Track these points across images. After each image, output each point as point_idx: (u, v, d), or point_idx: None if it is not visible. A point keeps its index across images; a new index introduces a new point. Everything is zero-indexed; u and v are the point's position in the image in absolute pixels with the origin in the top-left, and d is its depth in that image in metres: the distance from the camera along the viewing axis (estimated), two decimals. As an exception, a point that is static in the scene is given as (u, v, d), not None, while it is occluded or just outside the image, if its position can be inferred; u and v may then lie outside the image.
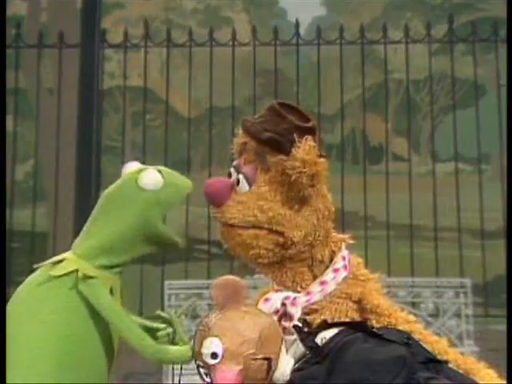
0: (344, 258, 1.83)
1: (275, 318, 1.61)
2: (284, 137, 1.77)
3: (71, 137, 4.62)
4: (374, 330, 1.61)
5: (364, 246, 4.85)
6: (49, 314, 1.67)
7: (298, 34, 5.53)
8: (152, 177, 1.75)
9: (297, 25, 5.55)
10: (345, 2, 9.31)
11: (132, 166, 1.82)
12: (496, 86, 5.66)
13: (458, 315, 4.64)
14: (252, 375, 1.48)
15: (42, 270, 1.81)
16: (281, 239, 1.76)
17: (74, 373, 1.65)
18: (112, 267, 1.79)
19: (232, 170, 1.83)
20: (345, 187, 5.02)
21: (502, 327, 5.25)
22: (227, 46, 5.55)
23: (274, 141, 1.77)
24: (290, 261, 1.80)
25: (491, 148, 6.00)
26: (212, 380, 1.50)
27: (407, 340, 1.55)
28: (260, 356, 1.49)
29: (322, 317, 1.72)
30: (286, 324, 1.62)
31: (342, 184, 5.01)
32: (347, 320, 1.73)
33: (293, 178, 1.72)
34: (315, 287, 1.79)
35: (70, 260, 1.75)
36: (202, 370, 1.54)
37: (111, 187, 1.79)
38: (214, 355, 1.50)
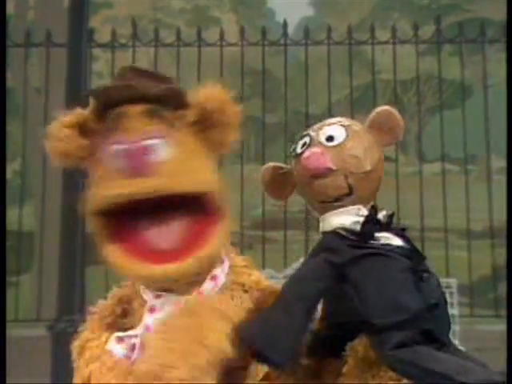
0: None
1: None
2: (174, 87, 1.58)
3: (58, 136, 4.60)
4: None
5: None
6: None
7: (285, 34, 5.54)
8: None
9: (285, 25, 5.55)
10: (332, 2, 9.33)
11: None
12: (483, 86, 5.69)
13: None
14: None
15: None
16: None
17: None
18: None
19: (119, 147, 1.50)
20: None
21: (488, 327, 5.29)
22: (215, 46, 5.55)
23: (173, 92, 1.56)
24: None
25: (478, 149, 6.03)
26: None
27: None
28: None
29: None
30: None
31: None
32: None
33: (209, 117, 1.55)
34: (208, 284, 1.61)
35: None
36: None
37: None
38: None
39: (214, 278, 1.61)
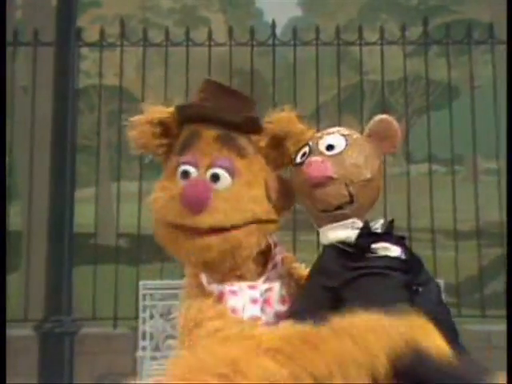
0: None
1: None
2: (252, 116, 1.69)
3: (46, 135, 4.59)
4: None
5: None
6: None
7: (274, 34, 5.54)
8: None
9: (273, 25, 5.56)
10: (321, 3, 9.35)
11: None
12: (470, 87, 5.72)
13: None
14: None
15: None
16: (273, 227, 1.72)
17: None
18: None
19: (187, 168, 1.63)
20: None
21: (475, 327, 5.31)
22: (203, 46, 5.54)
23: (249, 119, 1.67)
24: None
25: (464, 149, 6.06)
26: None
27: None
28: None
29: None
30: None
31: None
32: None
33: (283, 145, 1.67)
34: (271, 272, 1.75)
35: None
36: None
37: None
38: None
39: (275, 266, 1.75)
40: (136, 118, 1.73)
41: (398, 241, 1.67)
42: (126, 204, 5.35)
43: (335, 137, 1.71)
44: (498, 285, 5.49)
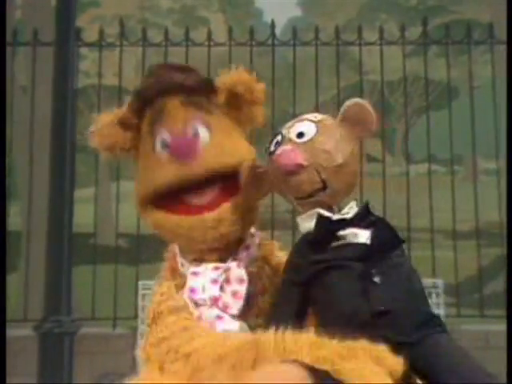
0: None
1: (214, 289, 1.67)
2: (204, 77, 1.80)
3: (45, 135, 4.58)
4: None
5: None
6: None
7: (273, 34, 5.54)
8: None
9: (272, 25, 5.55)
10: (320, 3, 9.36)
11: None
12: (469, 87, 5.72)
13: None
14: None
15: None
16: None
17: None
18: None
19: (164, 136, 1.71)
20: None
21: (474, 327, 5.31)
22: (203, 46, 5.54)
23: (203, 81, 1.77)
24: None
25: (464, 149, 6.06)
26: None
27: None
28: None
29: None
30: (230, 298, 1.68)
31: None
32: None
33: (238, 96, 1.73)
34: (242, 253, 1.79)
35: None
36: None
37: None
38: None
39: (247, 247, 1.80)
40: (95, 126, 1.80)
41: (370, 223, 1.66)
42: (126, 204, 5.33)
43: (305, 124, 1.72)
44: (498, 285, 5.49)
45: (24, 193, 5.67)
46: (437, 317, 1.66)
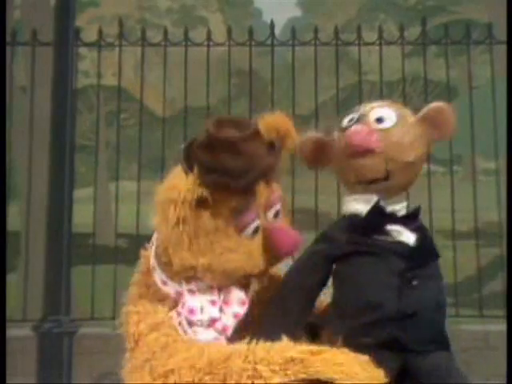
0: None
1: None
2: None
3: (44, 135, 4.58)
4: None
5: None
6: None
7: (273, 34, 5.54)
8: None
9: (272, 25, 5.55)
10: (319, 3, 9.36)
11: None
12: (468, 87, 5.72)
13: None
14: None
15: None
16: None
17: None
18: None
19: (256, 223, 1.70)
20: (319, 188, 5.05)
21: (473, 327, 5.32)
22: (202, 46, 5.54)
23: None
24: None
25: (463, 149, 6.06)
26: None
27: None
28: None
29: None
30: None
31: (316, 185, 5.03)
32: None
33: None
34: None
35: None
36: None
37: None
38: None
39: None
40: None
41: (417, 228, 1.64)
42: (125, 204, 5.34)
43: (387, 110, 1.66)
44: (497, 285, 5.49)
45: (23, 193, 5.67)
46: (447, 339, 1.66)
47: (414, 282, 1.56)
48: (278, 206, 1.69)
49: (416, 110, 1.74)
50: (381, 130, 1.61)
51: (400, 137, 1.61)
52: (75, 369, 4.21)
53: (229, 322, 1.67)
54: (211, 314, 1.66)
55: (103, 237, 6.80)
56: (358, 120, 1.64)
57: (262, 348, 1.51)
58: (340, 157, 1.65)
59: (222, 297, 1.69)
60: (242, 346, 1.54)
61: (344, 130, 1.65)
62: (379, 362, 1.47)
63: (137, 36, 5.63)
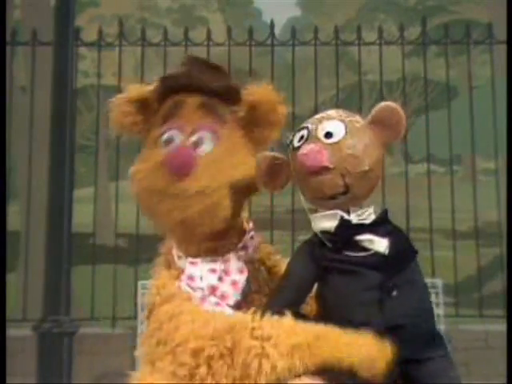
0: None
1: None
2: (235, 85, 1.73)
3: (44, 135, 4.59)
4: None
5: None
6: None
7: (272, 34, 5.55)
8: None
9: (272, 25, 5.56)
10: (319, 3, 9.35)
11: None
12: (468, 87, 5.72)
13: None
14: None
15: None
16: (251, 192, 1.74)
17: None
18: None
19: (172, 133, 1.68)
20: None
21: (473, 327, 5.32)
22: (202, 46, 5.54)
23: (230, 88, 1.71)
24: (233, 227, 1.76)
25: (463, 149, 6.06)
26: None
27: None
28: None
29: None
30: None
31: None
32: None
33: (259, 115, 1.69)
34: (240, 252, 1.77)
35: None
36: None
37: None
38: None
39: (245, 248, 1.77)
40: (115, 99, 1.76)
41: (388, 232, 1.64)
42: (125, 204, 5.34)
43: (335, 123, 1.64)
44: (496, 285, 5.50)
45: (23, 192, 5.67)
46: (440, 336, 1.65)
47: (394, 293, 1.55)
48: (201, 134, 1.66)
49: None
50: (331, 144, 1.60)
51: (351, 148, 1.60)
52: (75, 369, 4.21)
53: (228, 289, 1.68)
54: (210, 281, 1.67)
55: (103, 237, 6.79)
56: (308, 138, 1.64)
57: (268, 323, 1.51)
58: (298, 177, 1.65)
59: (222, 266, 1.70)
60: (247, 317, 1.53)
61: (296, 149, 1.64)
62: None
63: (137, 36, 5.64)
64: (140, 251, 5.45)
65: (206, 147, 1.66)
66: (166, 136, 1.67)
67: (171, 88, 1.72)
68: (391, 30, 6.64)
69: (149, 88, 1.76)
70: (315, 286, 1.65)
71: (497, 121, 5.39)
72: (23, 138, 5.51)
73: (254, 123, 1.72)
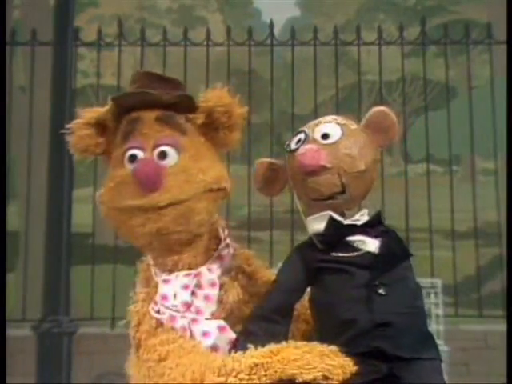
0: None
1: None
2: (187, 94, 1.74)
3: (44, 135, 4.59)
4: None
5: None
6: None
7: (272, 34, 5.54)
8: None
9: (271, 25, 5.55)
10: (319, 3, 9.35)
11: None
12: (467, 87, 5.72)
13: (428, 315, 4.69)
14: None
15: None
16: (223, 194, 1.74)
17: None
18: None
19: (134, 152, 1.67)
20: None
21: (472, 327, 5.33)
22: (201, 46, 5.54)
23: (184, 98, 1.72)
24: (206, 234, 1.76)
25: (462, 149, 6.06)
26: None
27: None
28: None
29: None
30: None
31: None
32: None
33: (217, 119, 1.70)
34: (214, 263, 1.77)
35: None
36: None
37: None
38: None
39: (220, 257, 1.77)
40: (72, 124, 1.82)
41: (380, 233, 1.65)
42: (124, 204, 5.33)
43: (331, 126, 1.69)
44: (496, 285, 5.50)
45: (22, 193, 5.66)
46: (432, 337, 1.66)
47: (380, 291, 1.56)
48: (163, 147, 1.66)
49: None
50: (328, 145, 1.65)
51: (348, 148, 1.64)
52: (74, 369, 4.21)
53: (201, 304, 1.70)
54: (183, 299, 1.69)
55: (102, 236, 6.77)
56: (305, 140, 1.68)
57: (233, 359, 1.53)
58: (294, 179, 1.68)
59: (194, 281, 1.71)
60: (217, 361, 1.55)
61: (293, 152, 1.68)
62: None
63: (136, 36, 5.63)
64: (139, 251, 5.44)
65: (171, 160, 1.66)
66: (128, 154, 1.67)
67: (124, 107, 1.73)
68: (390, 30, 6.64)
69: (104, 109, 1.77)
70: (308, 289, 1.67)
71: (496, 121, 5.39)
72: (23, 138, 5.50)
73: (213, 128, 1.74)
